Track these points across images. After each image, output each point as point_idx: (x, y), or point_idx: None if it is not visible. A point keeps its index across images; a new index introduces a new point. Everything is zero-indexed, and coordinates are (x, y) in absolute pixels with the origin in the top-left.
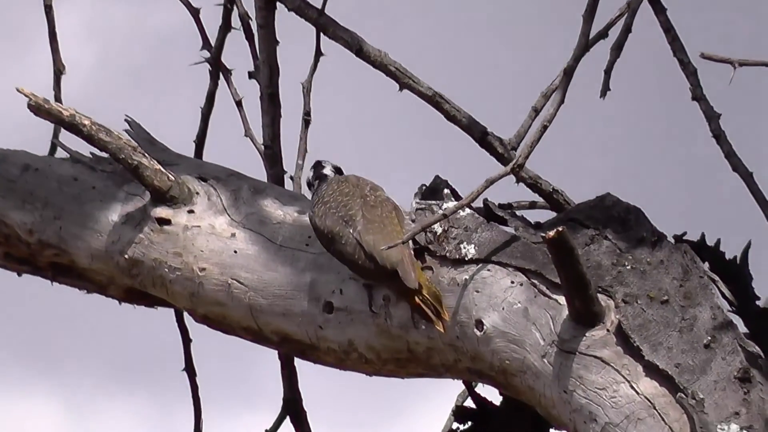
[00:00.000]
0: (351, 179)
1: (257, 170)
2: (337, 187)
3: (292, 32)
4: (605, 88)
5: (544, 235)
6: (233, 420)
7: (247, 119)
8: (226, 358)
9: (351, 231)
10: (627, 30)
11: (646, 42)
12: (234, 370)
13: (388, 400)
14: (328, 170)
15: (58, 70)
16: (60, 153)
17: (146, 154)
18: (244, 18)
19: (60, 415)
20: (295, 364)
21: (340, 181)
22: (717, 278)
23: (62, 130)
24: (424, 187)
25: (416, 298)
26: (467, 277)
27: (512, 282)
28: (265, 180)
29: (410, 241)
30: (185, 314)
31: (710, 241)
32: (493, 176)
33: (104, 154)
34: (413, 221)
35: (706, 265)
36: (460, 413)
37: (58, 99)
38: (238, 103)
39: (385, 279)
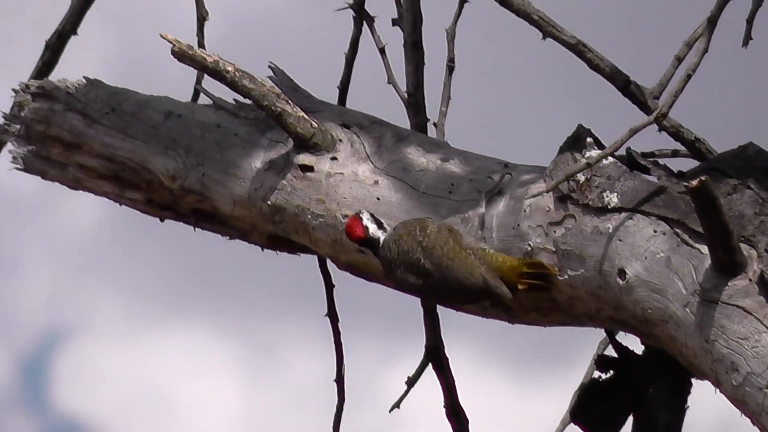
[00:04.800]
0: (401, 231)
1: (400, 118)
2: (396, 247)
3: None
4: (747, 37)
5: (686, 184)
6: (376, 367)
7: (390, 66)
8: (368, 305)
9: (429, 280)
10: None
11: None
12: (376, 318)
13: (529, 348)
14: (374, 231)
15: (202, 17)
16: (203, 99)
17: (289, 101)
18: None
19: (238, 350)
20: (438, 312)
21: (395, 240)
22: None
23: (205, 76)
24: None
25: (522, 282)
26: (610, 226)
27: (655, 231)
28: (408, 128)
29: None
30: (328, 260)
31: None
32: (636, 125)
33: (247, 101)
34: (551, 171)
35: None
36: (601, 362)
37: (201, 45)
38: (381, 51)
39: (481, 298)
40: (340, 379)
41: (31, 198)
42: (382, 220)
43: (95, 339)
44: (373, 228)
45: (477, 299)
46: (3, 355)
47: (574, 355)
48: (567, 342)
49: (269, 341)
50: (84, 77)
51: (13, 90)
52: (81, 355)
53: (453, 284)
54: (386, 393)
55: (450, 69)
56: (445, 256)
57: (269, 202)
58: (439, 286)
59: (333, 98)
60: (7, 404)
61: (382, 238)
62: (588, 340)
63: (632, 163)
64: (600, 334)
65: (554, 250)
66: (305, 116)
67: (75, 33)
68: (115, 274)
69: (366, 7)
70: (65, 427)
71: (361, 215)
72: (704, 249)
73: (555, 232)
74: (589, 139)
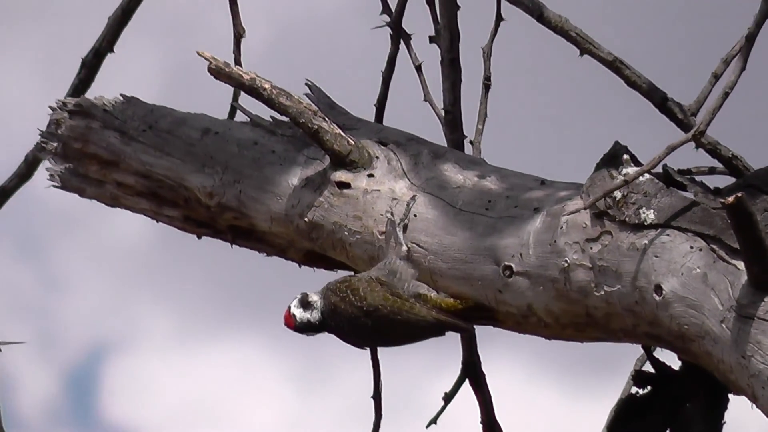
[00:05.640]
0: (333, 299)
1: (436, 135)
2: (338, 318)
3: None
4: None
5: (723, 200)
6: (412, 383)
7: (426, 84)
8: None
9: (382, 336)
10: None
11: None
12: None
13: (565, 364)
14: (301, 315)
15: (239, 34)
16: (239, 117)
17: (326, 118)
18: None
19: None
20: (474, 328)
21: (332, 311)
22: None
23: (242, 93)
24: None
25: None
26: (646, 242)
27: (691, 247)
28: (445, 145)
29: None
30: None
31: None
32: (674, 143)
33: (284, 118)
34: (588, 188)
35: None
36: (639, 378)
37: (238, 62)
38: (418, 68)
39: (438, 335)
40: (377, 396)
41: (78, 212)
42: (308, 295)
43: (144, 352)
44: (299, 313)
45: (433, 336)
46: (51, 369)
47: (616, 369)
48: (603, 358)
49: (317, 355)
50: (121, 94)
51: (50, 107)
52: (129, 368)
53: (408, 333)
54: (424, 408)
55: (486, 87)
56: (392, 314)
57: (306, 219)
58: (394, 338)
59: (370, 116)
60: (55, 418)
61: (316, 314)
62: (628, 354)
63: (669, 179)
64: (638, 347)
65: (591, 266)
66: (342, 133)
67: (111, 51)
68: (164, 287)
69: (403, 25)
70: None
71: (290, 305)
72: (740, 265)
73: (591, 248)
74: (625, 156)
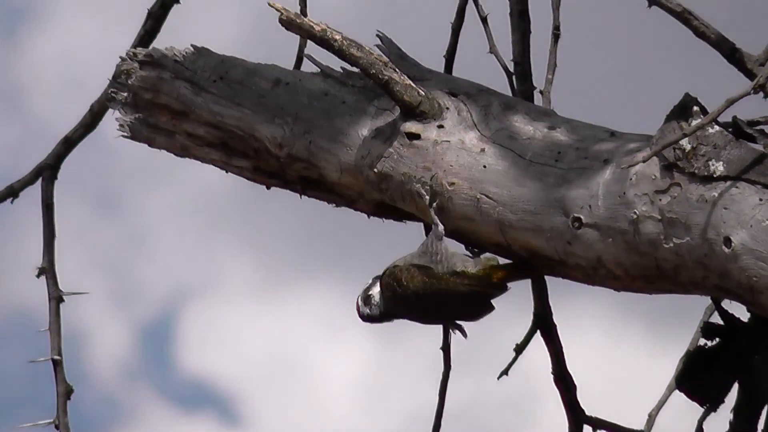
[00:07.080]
0: (385, 293)
1: (503, 87)
2: (390, 303)
3: None
4: None
5: None
6: (483, 334)
7: (492, 36)
8: None
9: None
10: None
11: None
12: None
13: (636, 314)
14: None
15: None
16: (306, 68)
17: (397, 69)
18: None
19: None
20: (546, 279)
21: (387, 301)
22: None
23: (308, 44)
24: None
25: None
26: (716, 194)
27: (761, 199)
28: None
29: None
30: None
31: None
32: (734, 96)
33: (355, 69)
34: (657, 140)
35: None
36: (707, 329)
37: (303, 14)
38: (484, 20)
39: (478, 308)
40: (446, 347)
41: (159, 159)
42: (369, 287)
43: (221, 303)
44: (362, 307)
45: (477, 305)
46: (127, 322)
47: (684, 321)
48: (672, 309)
49: None
50: (191, 45)
51: (120, 57)
52: (207, 319)
53: (454, 306)
54: (495, 360)
55: (555, 37)
56: (432, 293)
57: (376, 170)
58: (446, 312)
59: (440, 67)
60: (132, 370)
61: (376, 309)
62: (697, 306)
63: (738, 131)
64: (707, 299)
65: (660, 218)
66: (412, 84)
67: (177, 2)
68: (240, 237)
69: None
70: (192, 390)
71: (358, 297)
72: None
73: (661, 200)
74: (695, 108)
